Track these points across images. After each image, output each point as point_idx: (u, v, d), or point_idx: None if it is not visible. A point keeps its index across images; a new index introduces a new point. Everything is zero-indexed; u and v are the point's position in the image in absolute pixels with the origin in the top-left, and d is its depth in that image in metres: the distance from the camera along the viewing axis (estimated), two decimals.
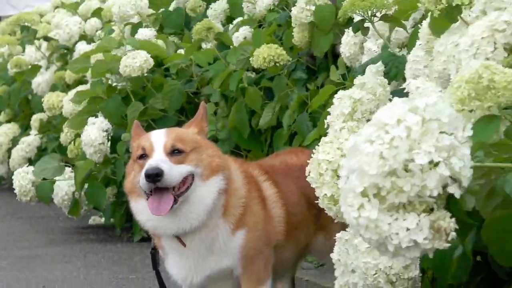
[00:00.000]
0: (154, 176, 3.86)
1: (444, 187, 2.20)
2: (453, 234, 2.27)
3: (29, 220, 8.19)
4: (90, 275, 5.84)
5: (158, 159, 3.97)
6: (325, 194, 2.85)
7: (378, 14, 4.01)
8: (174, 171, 3.94)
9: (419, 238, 2.19)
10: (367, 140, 2.17)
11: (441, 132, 2.22)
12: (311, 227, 4.43)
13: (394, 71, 3.62)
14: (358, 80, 3.49)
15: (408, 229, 2.20)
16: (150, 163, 3.93)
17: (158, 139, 4.09)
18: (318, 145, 2.99)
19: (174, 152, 4.06)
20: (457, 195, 2.18)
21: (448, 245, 2.26)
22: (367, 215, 2.20)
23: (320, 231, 4.41)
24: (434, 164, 2.18)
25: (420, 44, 3.53)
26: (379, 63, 3.66)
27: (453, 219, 2.27)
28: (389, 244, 2.20)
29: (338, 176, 2.79)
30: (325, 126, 3.51)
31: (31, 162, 7.61)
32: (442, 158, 2.17)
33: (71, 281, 5.65)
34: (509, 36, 3.00)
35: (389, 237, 2.20)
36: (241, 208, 4.19)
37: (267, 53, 5.12)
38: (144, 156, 4.05)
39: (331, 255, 3.41)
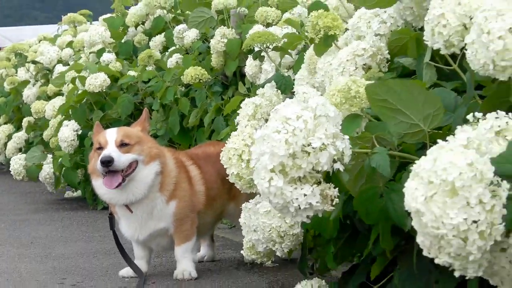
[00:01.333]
0: (107, 162, 4.11)
1: (332, 162, 2.27)
2: (337, 200, 2.32)
3: (20, 194, 8.38)
4: (65, 233, 5.93)
5: (110, 150, 4.19)
6: (233, 173, 2.89)
7: (271, 46, 4.10)
8: (122, 158, 4.17)
9: (313, 202, 2.27)
10: (275, 131, 2.25)
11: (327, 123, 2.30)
12: (224, 198, 4.56)
13: (283, 87, 3.70)
14: (259, 91, 3.57)
15: (305, 195, 2.26)
16: (104, 153, 4.17)
17: (111, 135, 4.28)
18: (229, 138, 3.03)
19: (122, 145, 4.25)
20: (341, 169, 2.28)
21: (333, 208, 2.31)
22: (275, 184, 2.24)
23: (231, 200, 4.55)
24: (322, 146, 2.23)
25: (304, 66, 3.59)
26: (274, 81, 3.73)
27: (336, 189, 2.32)
28: (291, 207, 2.27)
29: (242, 159, 2.84)
30: (236, 125, 3.55)
31: (21, 151, 7.72)
32: (330, 142, 2.23)
33: (52, 238, 5.76)
34: (366, 59, 3.07)
35: (291, 201, 2.25)
36: (173, 185, 4.34)
37: (193, 73, 5.25)
38: (100, 148, 4.26)
39: (239, 219, 3.46)
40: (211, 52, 5.69)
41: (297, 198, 2.30)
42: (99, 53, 7.51)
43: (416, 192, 1.95)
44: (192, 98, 5.92)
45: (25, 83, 8.74)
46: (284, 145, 2.26)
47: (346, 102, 2.63)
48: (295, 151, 2.26)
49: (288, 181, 2.30)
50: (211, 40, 5.70)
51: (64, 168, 7.09)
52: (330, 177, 2.37)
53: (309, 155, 2.27)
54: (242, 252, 3.56)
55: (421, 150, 2.40)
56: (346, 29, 3.40)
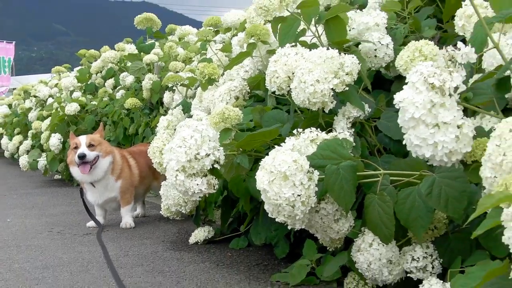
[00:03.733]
0: (82, 157, 4.02)
1: (213, 164, 2.21)
2: (217, 186, 2.28)
3: (26, 177, 8.00)
4: (54, 200, 5.70)
5: (83, 149, 4.07)
6: (156, 162, 2.80)
7: (179, 84, 4.03)
8: (90, 155, 4.07)
9: (203, 188, 2.24)
10: (178, 146, 2.23)
11: (209, 140, 2.25)
12: (151, 178, 4.47)
13: (186, 109, 3.62)
14: (170, 112, 3.49)
15: (197, 184, 2.23)
16: (79, 151, 4.07)
17: (83, 140, 4.15)
18: (153, 141, 2.95)
19: (90, 146, 4.12)
20: (219, 167, 2.24)
21: (215, 191, 2.28)
22: (179, 179, 2.20)
23: (155, 179, 4.45)
24: (206, 155, 2.17)
25: (197, 97, 3.53)
26: (180, 106, 3.65)
27: (217, 179, 2.27)
28: (189, 192, 2.22)
29: (161, 153, 2.77)
30: (157, 133, 3.48)
31: (28, 153, 7.46)
32: (211, 152, 2.19)
33: (45, 203, 5.51)
34: (236, 92, 3.01)
35: (189, 189, 2.20)
36: (119, 170, 4.24)
37: (131, 102, 5.13)
38: (76, 148, 4.12)
39: (160, 191, 3.39)
40: (143, 89, 5.56)
41: (193, 187, 2.26)
42: (71, 92, 7.41)
43: (263, 178, 1.92)
44: (131, 118, 5.78)
45: (29, 109, 8.53)
46: (184, 155, 2.24)
47: (222, 121, 2.56)
48: (191, 158, 2.24)
49: (187, 176, 2.27)
50: (143, 81, 5.56)
51: (52, 162, 6.86)
52: (212, 171, 2.30)
53: (199, 160, 2.22)
54: (161, 212, 3.44)
55: (267, 150, 2.33)
56: (223, 74, 3.34)
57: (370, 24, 2.48)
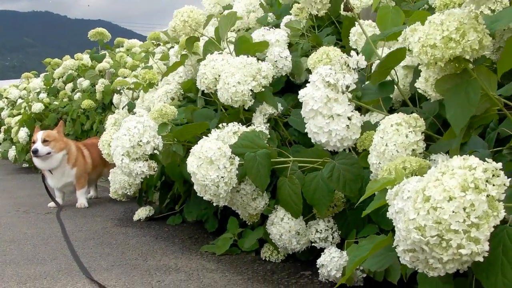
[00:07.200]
0: (35, 152, 3.86)
1: (153, 150, 2.16)
2: (156, 168, 2.23)
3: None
4: (20, 185, 5.48)
5: (37, 144, 3.89)
6: (105, 153, 2.71)
7: (125, 88, 3.95)
8: (42, 150, 3.88)
9: (144, 170, 2.20)
10: (124, 134, 2.17)
11: (150, 130, 2.20)
12: (102, 165, 4.27)
13: (132, 109, 3.60)
14: (117, 111, 3.42)
15: (140, 167, 2.15)
16: (34, 146, 3.90)
17: (39, 135, 3.94)
18: (103, 135, 2.84)
19: (44, 141, 3.92)
20: (158, 153, 2.23)
21: (154, 173, 2.24)
22: (125, 162, 2.13)
23: (105, 167, 4.25)
24: (147, 142, 2.12)
25: (140, 98, 3.46)
26: (126, 106, 3.59)
27: (156, 163, 2.23)
28: (133, 173, 2.17)
29: (109, 145, 2.68)
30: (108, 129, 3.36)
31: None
32: (151, 140, 2.13)
33: (14, 187, 5.32)
34: (172, 94, 2.96)
35: (133, 171, 2.16)
36: (74, 159, 4.05)
37: (87, 103, 5.11)
38: (34, 143, 3.93)
39: (109, 177, 3.29)
40: (96, 91, 5.39)
41: (136, 169, 2.19)
42: (38, 94, 7.12)
43: (193, 163, 1.88)
44: (87, 116, 5.61)
45: (1, 109, 8.14)
46: (128, 142, 2.19)
47: (160, 117, 2.49)
48: (134, 144, 2.19)
49: (131, 160, 2.20)
50: (96, 85, 5.39)
51: (20, 153, 6.60)
52: (152, 156, 2.24)
53: (141, 146, 2.16)
54: (110, 194, 3.33)
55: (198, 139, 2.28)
56: (161, 79, 3.27)
57: (272, 40, 2.47)
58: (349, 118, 1.45)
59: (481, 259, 0.99)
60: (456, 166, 1.02)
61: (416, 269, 1.08)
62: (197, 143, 1.94)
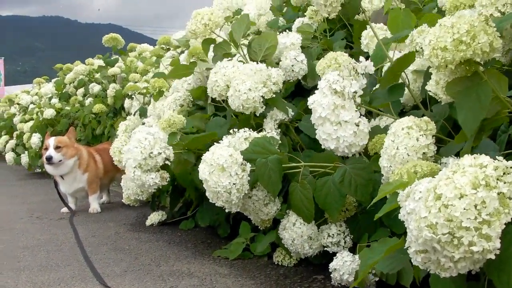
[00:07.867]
0: (49, 158, 3.86)
1: (164, 161, 2.17)
2: (168, 179, 2.25)
3: (11, 171, 7.73)
4: (33, 191, 5.49)
5: (50, 151, 3.90)
6: (116, 160, 2.73)
7: (137, 93, 3.96)
8: (56, 156, 3.89)
9: (156, 181, 2.23)
10: (135, 146, 2.16)
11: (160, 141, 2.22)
12: (114, 171, 4.23)
13: (143, 114, 3.55)
14: (128, 117, 3.41)
15: (152, 178, 2.17)
16: (47, 153, 3.90)
17: (51, 142, 3.95)
18: (115, 141, 2.86)
19: (57, 148, 3.92)
20: (169, 163, 2.22)
21: (167, 183, 2.27)
22: (137, 174, 2.15)
23: (117, 172, 4.20)
24: (159, 153, 2.14)
25: (151, 105, 3.47)
26: (138, 112, 3.60)
27: (168, 173, 2.24)
28: (146, 185, 2.18)
29: (121, 152, 2.68)
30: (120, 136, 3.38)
31: (13, 150, 7.43)
32: (162, 151, 2.14)
33: (27, 192, 5.33)
34: (181, 101, 2.96)
35: (145, 182, 2.14)
36: (86, 165, 4.06)
37: (98, 107, 5.14)
38: (46, 149, 3.95)
39: (121, 182, 3.25)
40: (108, 96, 5.42)
41: (148, 180, 2.23)
42: (49, 99, 7.16)
43: (204, 170, 1.89)
44: (98, 120, 5.64)
45: (14, 115, 8.18)
46: (140, 154, 2.21)
47: (168, 126, 2.50)
48: (146, 157, 2.21)
49: (143, 172, 2.22)
50: (107, 90, 5.43)
51: (33, 159, 6.68)
52: (164, 167, 2.26)
53: (152, 158, 2.18)
54: (123, 200, 3.35)
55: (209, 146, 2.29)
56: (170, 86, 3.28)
57: (287, 43, 2.47)
58: (356, 125, 1.46)
59: (493, 257, 0.98)
60: (467, 165, 1.02)
61: (428, 270, 1.07)
62: (208, 150, 1.96)
